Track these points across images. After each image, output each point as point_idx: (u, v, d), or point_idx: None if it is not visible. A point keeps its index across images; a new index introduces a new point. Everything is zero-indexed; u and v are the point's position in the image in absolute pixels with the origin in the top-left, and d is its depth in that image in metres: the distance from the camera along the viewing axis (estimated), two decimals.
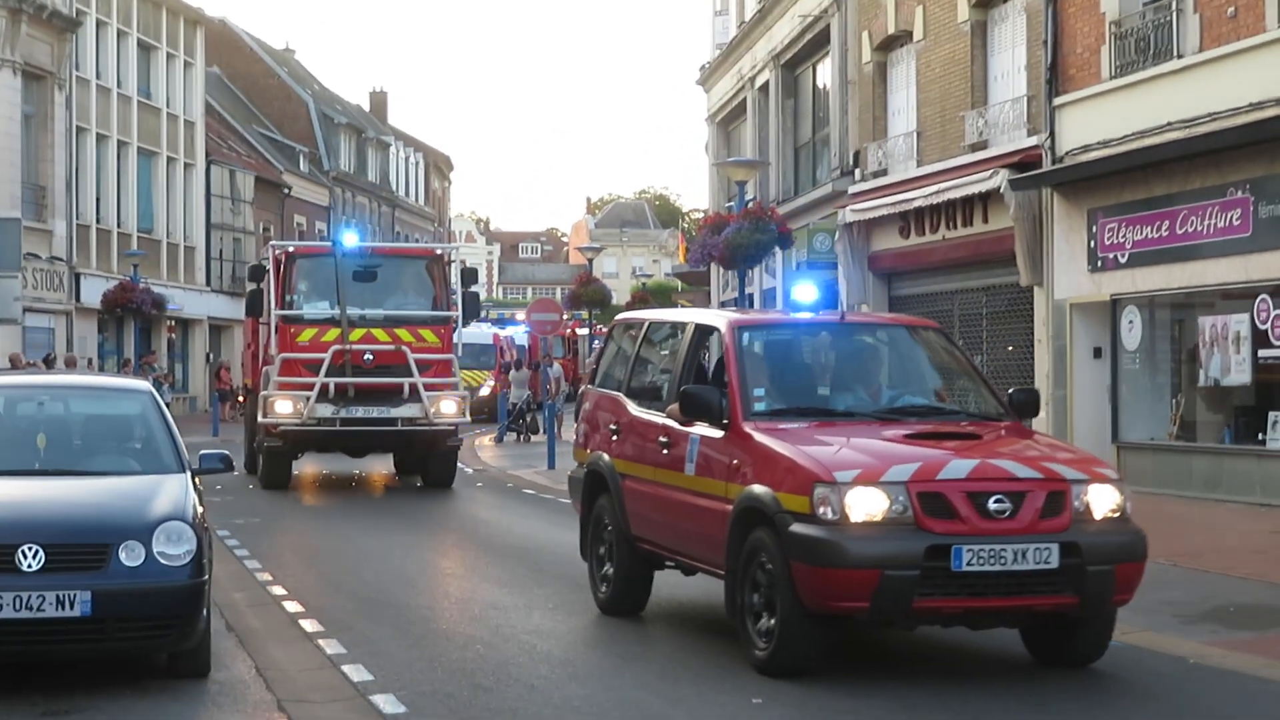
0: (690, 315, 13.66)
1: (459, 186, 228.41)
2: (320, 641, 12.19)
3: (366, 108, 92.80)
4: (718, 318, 12.66)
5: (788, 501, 10.33)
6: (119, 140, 52.53)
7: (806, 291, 13.30)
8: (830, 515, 10.08)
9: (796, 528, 10.19)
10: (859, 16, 31.74)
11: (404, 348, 25.24)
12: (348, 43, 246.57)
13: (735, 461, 11.14)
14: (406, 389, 25.19)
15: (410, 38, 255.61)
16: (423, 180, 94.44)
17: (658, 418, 12.60)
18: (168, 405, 12.99)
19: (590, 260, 53.84)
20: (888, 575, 9.91)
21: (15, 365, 32.24)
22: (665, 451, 12.27)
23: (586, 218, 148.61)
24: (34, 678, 10.36)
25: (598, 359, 15.04)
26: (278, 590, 14.89)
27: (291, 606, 13.91)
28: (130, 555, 10.04)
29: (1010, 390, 12.48)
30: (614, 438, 13.33)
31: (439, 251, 28.64)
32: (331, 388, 25.00)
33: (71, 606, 9.78)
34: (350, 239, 26.89)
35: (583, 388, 15.04)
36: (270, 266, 26.30)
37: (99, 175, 50.99)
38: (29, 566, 9.82)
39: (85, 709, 9.76)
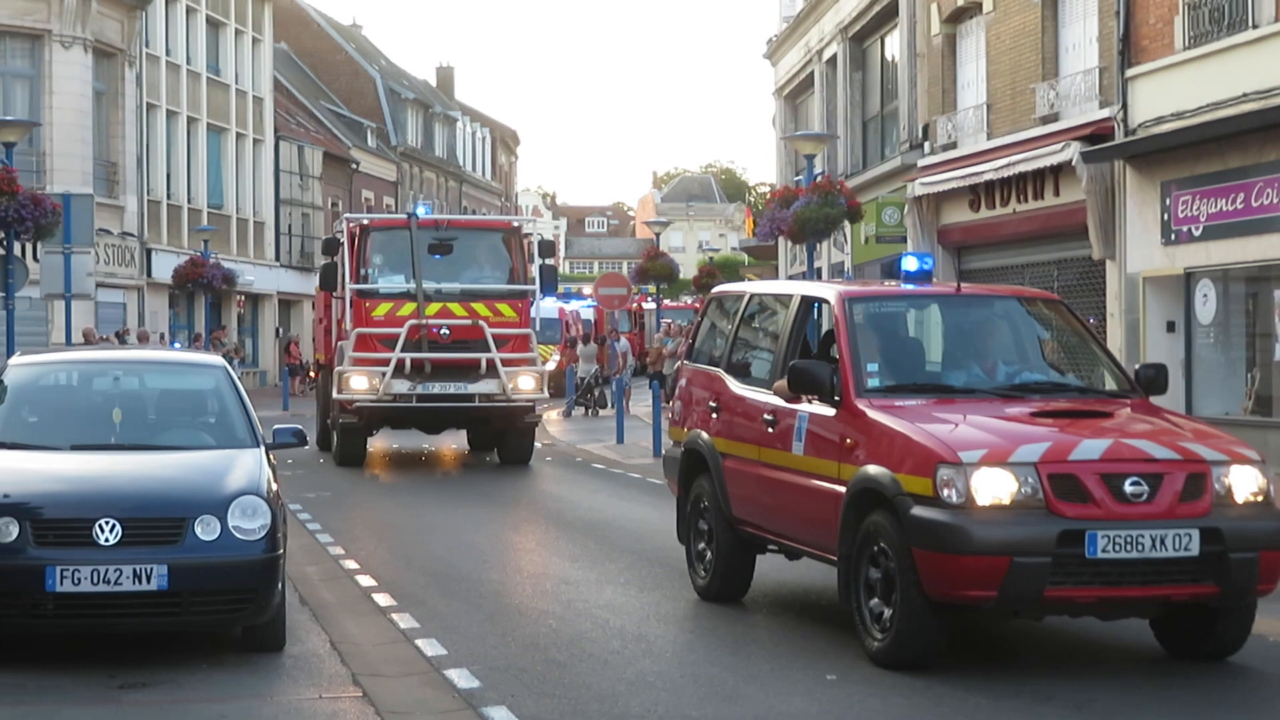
0: (795, 287, 13.14)
1: (526, 161, 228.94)
2: (393, 616, 12.25)
3: (433, 83, 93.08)
4: (826, 289, 12.11)
5: (908, 483, 9.81)
6: (189, 116, 52.81)
7: (918, 261, 12.29)
8: (955, 498, 9.56)
9: (918, 511, 9.68)
10: None
11: (481, 322, 24.80)
12: (415, 18, 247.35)
13: (849, 441, 10.59)
14: (484, 364, 24.71)
15: (477, 12, 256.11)
16: (489, 155, 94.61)
17: (761, 394, 12.05)
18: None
19: (657, 234, 53.67)
20: (1017, 562, 9.38)
21: (88, 340, 32.50)
22: (770, 430, 11.72)
23: (653, 192, 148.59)
24: (110, 650, 10.45)
25: (693, 334, 14.33)
26: (350, 564, 14.97)
27: (364, 580, 13.98)
28: (206, 529, 10.13)
29: (1136, 365, 11.85)
30: (713, 415, 12.81)
31: (516, 224, 28.10)
32: (408, 363, 24.59)
33: (148, 580, 9.87)
34: (424, 212, 26.53)
35: (678, 364, 14.07)
36: (344, 240, 25.78)
37: (169, 151, 51.28)
38: (106, 540, 9.92)
39: (161, 682, 9.84)
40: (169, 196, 51.11)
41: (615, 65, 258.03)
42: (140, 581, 9.85)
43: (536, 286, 26.05)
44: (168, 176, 51.13)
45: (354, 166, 68.86)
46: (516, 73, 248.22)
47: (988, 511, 9.51)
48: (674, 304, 70.44)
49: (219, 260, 46.82)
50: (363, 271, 25.44)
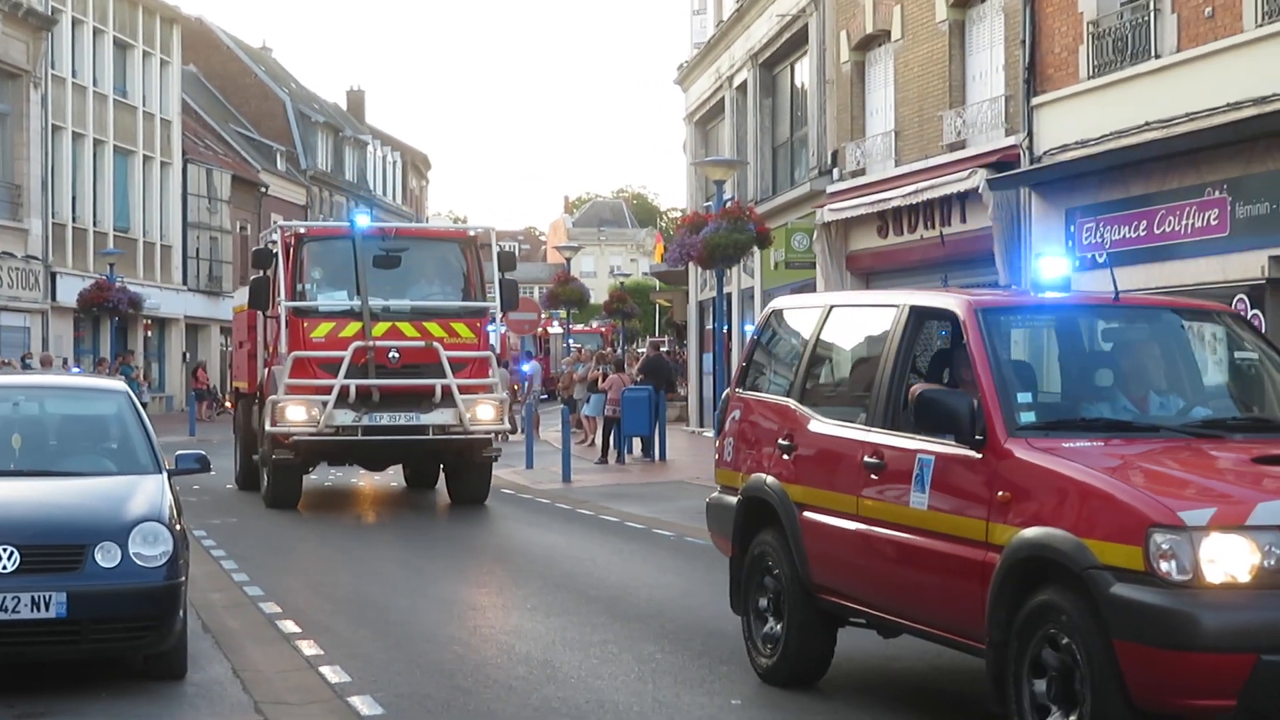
0: (901, 297, 10.32)
1: (437, 185, 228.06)
2: (298, 643, 12.16)
3: (344, 106, 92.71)
4: (949, 299, 9.69)
5: (1105, 553, 7.50)
6: (95, 139, 52.36)
7: (1057, 266, 9.85)
8: (1176, 574, 7.27)
9: (1123, 591, 7.38)
10: (837, 16, 31.73)
11: (435, 344, 22.12)
12: (325, 41, 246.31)
13: (1001, 493, 8.27)
14: (439, 392, 22.03)
15: (388, 36, 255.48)
16: (400, 179, 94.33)
17: (857, 431, 9.76)
18: (145, 405, 12.95)
19: (568, 259, 53.81)
20: (1266, 661, 7.12)
21: None
22: (875, 476, 9.40)
23: (564, 217, 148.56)
24: (8, 679, 10.30)
25: (747, 356, 11.88)
26: (255, 591, 14.84)
27: (269, 607, 13.86)
28: (106, 556, 10.01)
29: None
30: (784, 456, 10.47)
31: (472, 233, 24.56)
32: (352, 391, 21.76)
33: (47, 608, 9.74)
34: (365, 220, 24.05)
35: (726, 392, 11.96)
36: (279, 251, 22.96)
37: (75, 174, 50.83)
38: (4, 568, 9.79)
39: (60, 711, 9.71)
40: (74, 219, 50.62)
41: (527, 90, 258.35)
42: (39, 609, 9.72)
43: (497, 304, 23.57)
44: (73, 199, 50.66)
45: (263, 190, 68.47)
46: (428, 96, 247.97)
47: (1222, 592, 7.28)
48: (582, 328, 70.52)
49: (125, 284, 46.44)
50: (299, 287, 22.70)
